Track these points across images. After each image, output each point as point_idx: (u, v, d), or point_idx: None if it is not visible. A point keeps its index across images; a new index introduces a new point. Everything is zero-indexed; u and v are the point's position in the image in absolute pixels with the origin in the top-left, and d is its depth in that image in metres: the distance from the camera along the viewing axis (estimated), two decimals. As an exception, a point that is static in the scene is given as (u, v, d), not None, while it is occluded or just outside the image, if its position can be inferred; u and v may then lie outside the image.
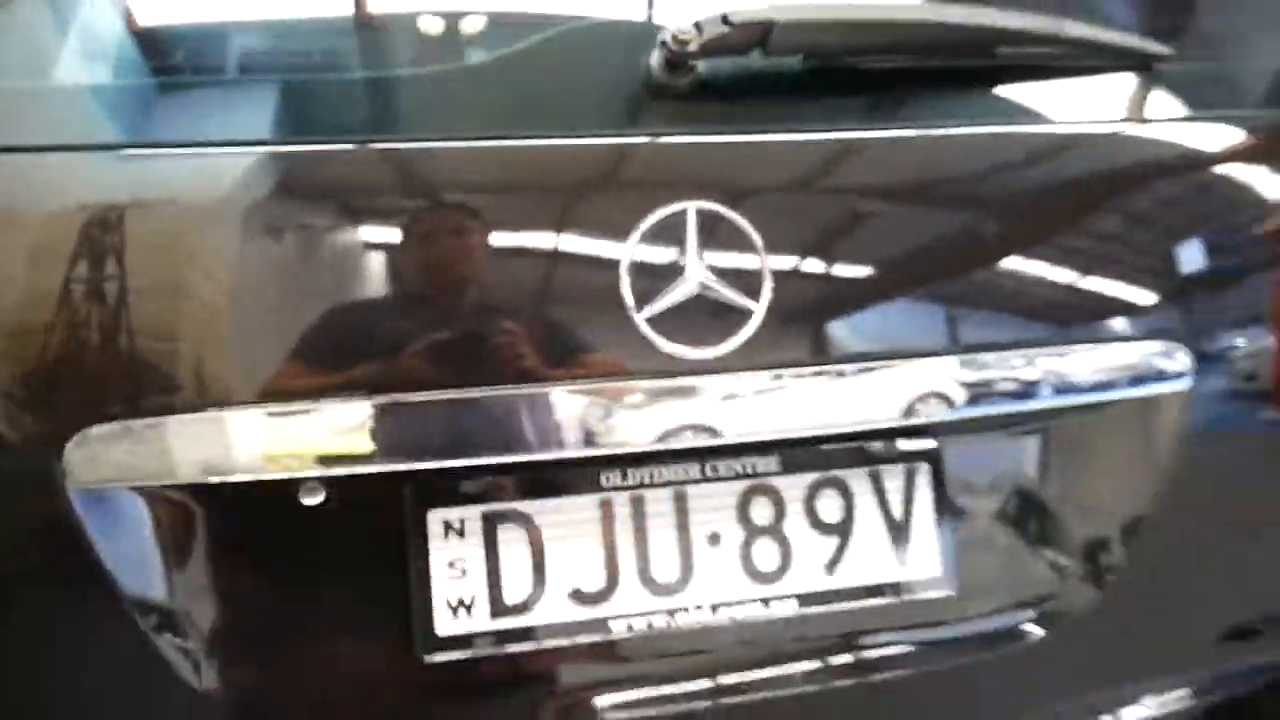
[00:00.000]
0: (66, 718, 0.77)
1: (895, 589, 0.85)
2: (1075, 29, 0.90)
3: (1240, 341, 0.92)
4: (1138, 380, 0.88)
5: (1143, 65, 0.94)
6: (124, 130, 0.79)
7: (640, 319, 0.75)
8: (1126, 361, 0.88)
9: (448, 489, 0.78)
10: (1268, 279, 0.94)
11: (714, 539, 0.82)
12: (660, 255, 0.76)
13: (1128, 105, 0.95)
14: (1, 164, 0.73)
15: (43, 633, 0.75)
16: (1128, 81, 0.95)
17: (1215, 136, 0.95)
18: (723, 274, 0.77)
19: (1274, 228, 0.94)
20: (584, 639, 0.80)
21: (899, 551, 0.86)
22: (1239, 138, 0.96)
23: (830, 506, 0.85)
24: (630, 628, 0.80)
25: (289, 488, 0.73)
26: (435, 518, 0.78)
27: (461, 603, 0.78)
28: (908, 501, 0.86)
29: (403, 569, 0.77)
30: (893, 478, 0.86)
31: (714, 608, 0.82)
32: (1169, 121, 0.96)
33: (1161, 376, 0.89)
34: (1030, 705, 0.95)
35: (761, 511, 0.83)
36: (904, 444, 0.85)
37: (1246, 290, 0.94)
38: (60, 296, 0.70)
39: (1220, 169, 0.95)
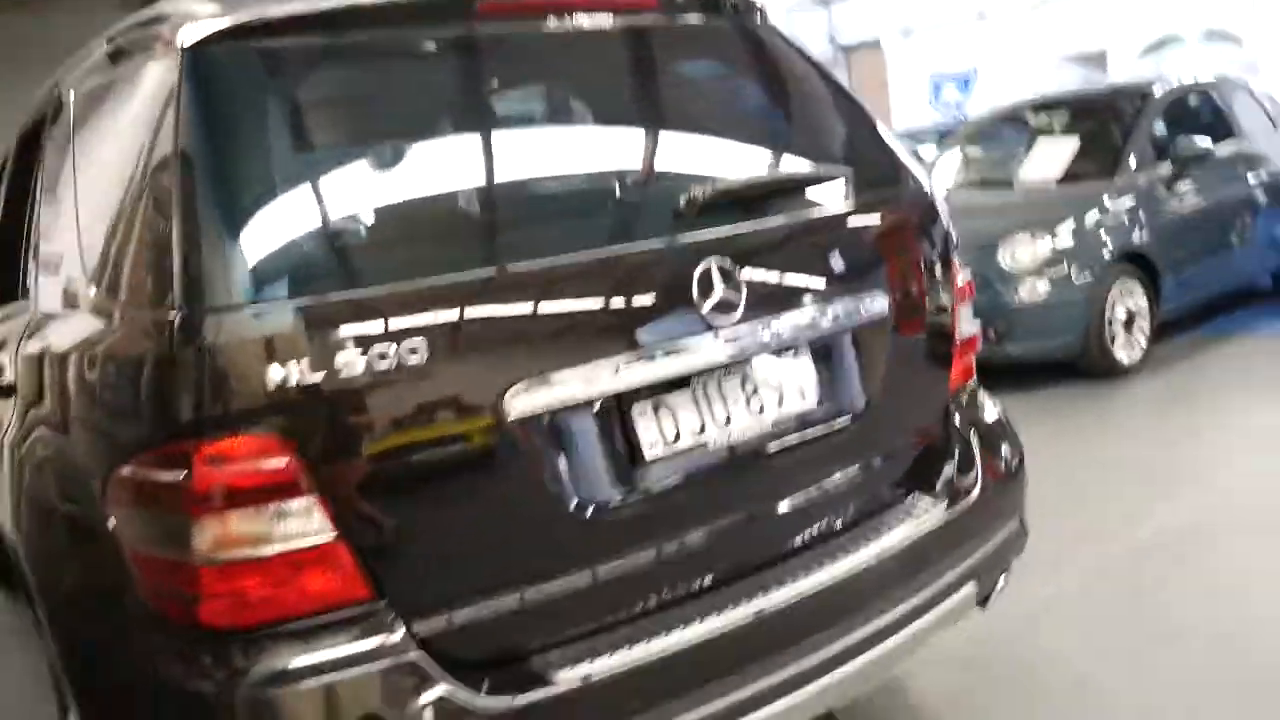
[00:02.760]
0: (503, 535, 1.68)
1: (802, 410, 1.98)
2: (803, 175, 2.12)
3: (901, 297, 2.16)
4: (874, 309, 2.08)
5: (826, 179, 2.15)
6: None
7: (704, 308, 1.81)
8: (873, 306, 2.08)
9: (638, 396, 1.78)
10: (898, 277, 2.18)
11: (735, 400, 1.90)
12: (705, 279, 1.82)
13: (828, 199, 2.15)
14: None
15: (488, 488, 1.67)
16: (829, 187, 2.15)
17: (866, 214, 2.19)
18: (727, 284, 1.85)
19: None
20: (695, 452, 1.84)
21: (802, 393, 1.98)
22: (877, 214, 2.20)
23: (774, 377, 1.95)
24: (712, 443, 1.86)
25: (587, 405, 1.72)
26: (635, 409, 1.78)
27: (650, 443, 1.79)
28: (799, 371, 1.98)
29: (626, 430, 1.78)
30: (793, 361, 1.98)
31: (742, 430, 1.90)
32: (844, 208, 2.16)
33: (880, 309, 2.09)
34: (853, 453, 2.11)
35: (750, 386, 1.92)
36: (794, 348, 1.98)
37: (899, 280, 2.16)
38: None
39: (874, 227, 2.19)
